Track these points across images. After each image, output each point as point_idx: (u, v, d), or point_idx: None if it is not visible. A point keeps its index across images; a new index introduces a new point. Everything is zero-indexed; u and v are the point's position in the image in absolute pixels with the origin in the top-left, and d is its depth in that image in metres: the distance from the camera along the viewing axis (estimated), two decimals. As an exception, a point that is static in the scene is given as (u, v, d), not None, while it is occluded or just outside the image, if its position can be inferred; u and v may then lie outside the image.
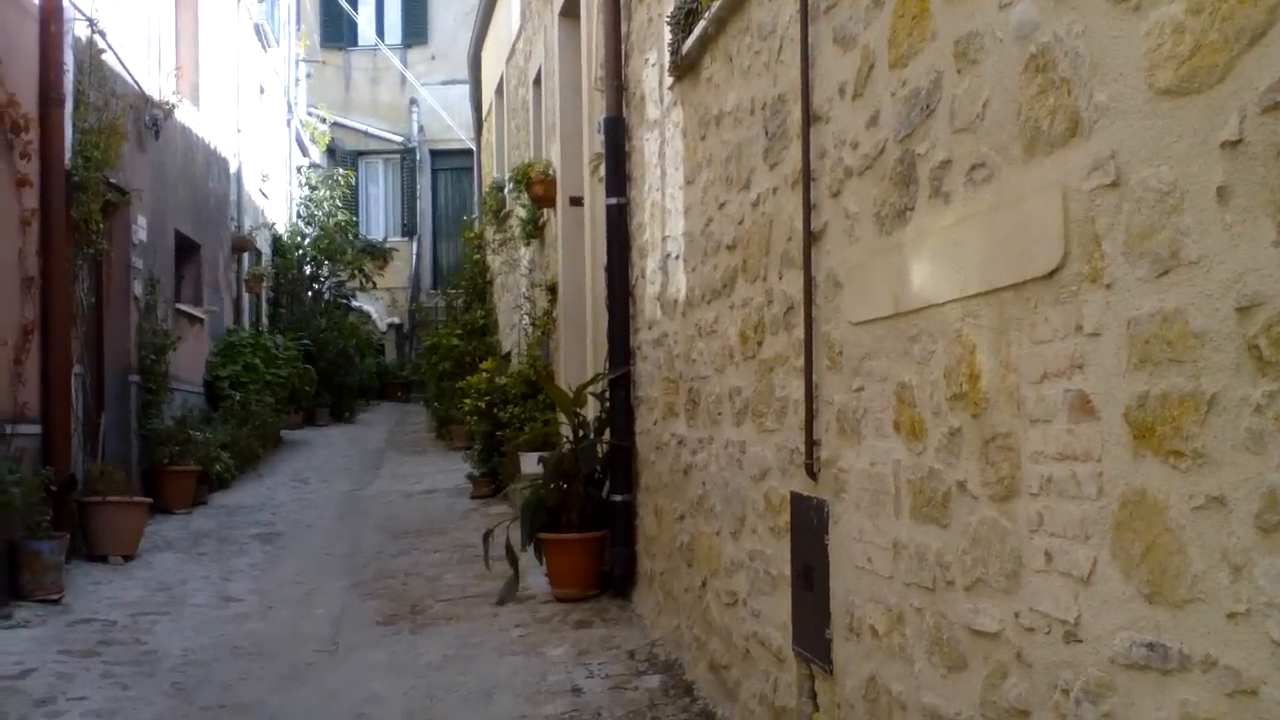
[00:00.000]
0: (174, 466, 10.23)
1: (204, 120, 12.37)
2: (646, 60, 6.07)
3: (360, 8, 22.83)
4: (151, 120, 10.11)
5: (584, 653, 5.76)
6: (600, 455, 6.96)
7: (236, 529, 9.73)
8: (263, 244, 16.30)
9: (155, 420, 10.06)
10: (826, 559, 3.45)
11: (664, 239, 5.76)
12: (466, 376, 12.40)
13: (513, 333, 12.97)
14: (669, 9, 5.31)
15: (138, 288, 9.81)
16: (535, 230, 11.08)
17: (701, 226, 4.96)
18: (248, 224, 14.99)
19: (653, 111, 5.97)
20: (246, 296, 15.31)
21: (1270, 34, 1.67)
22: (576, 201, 8.70)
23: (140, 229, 9.85)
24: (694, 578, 5.17)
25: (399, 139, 23.11)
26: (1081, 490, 2.11)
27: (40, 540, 7.00)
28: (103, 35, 8.65)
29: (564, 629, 6.25)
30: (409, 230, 23.13)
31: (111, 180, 8.67)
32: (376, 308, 21.35)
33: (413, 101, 22.88)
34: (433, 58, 22.81)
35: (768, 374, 4.07)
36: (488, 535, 7.22)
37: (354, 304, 19.41)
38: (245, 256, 15.06)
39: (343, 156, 22.51)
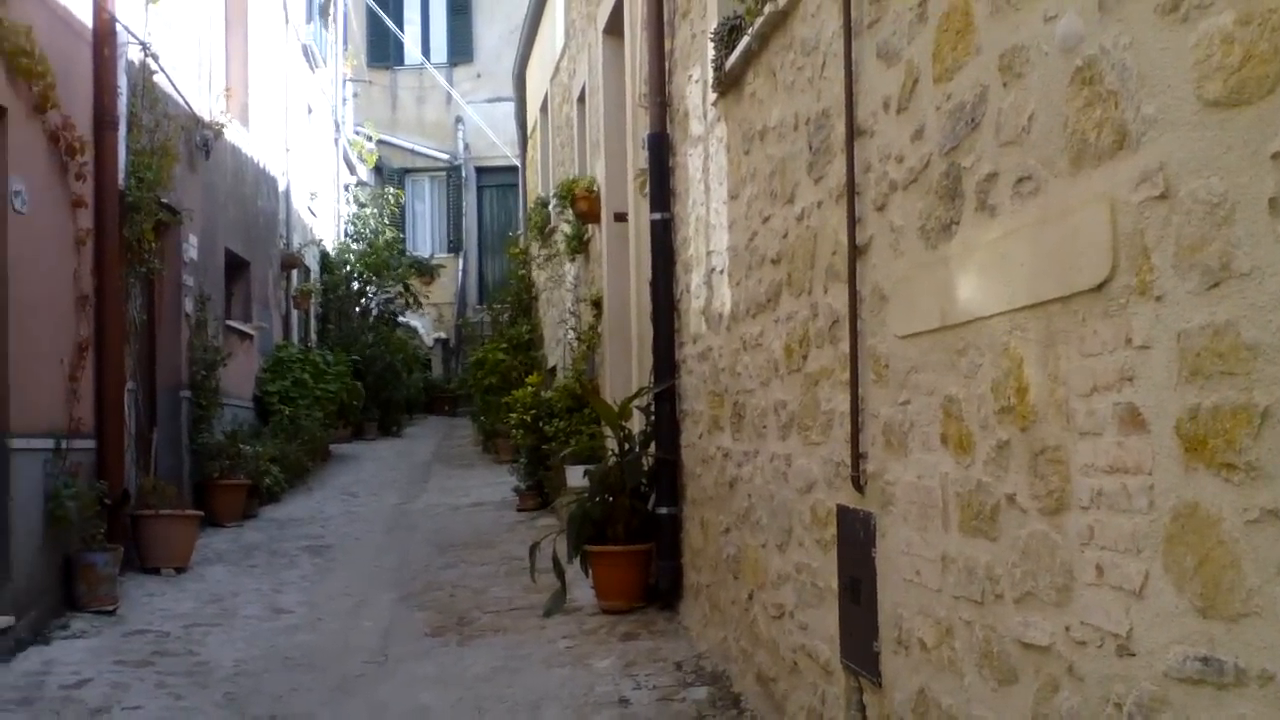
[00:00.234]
0: (224, 480, 10.35)
1: (253, 140, 12.55)
2: (690, 76, 6.10)
3: (406, 27, 23.08)
4: (202, 141, 10.28)
5: (631, 664, 5.77)
6: (646, 468, 6.97)
7: (286, 542, 9.84)
8: (311, 261, 16.49)
9: (206, 435, 10.20)
10: (874, 572, 3.45)
11: (708, 253, 5.77)
12: (512, 391, 12.48)
13: (558, 347, 13.02)
14: (712, 25, 5.34)
15: (189, 305, 9.96)
16: (580, 246, 11.13)
17: (746, 241, 4.98)
18: (296, 241, 15.18)
19: (696, 127, 5.99)
20: (295, 313, 15.48)
21: (1320, 45, 1.66)
22: (621, 217, 8.74)
23: (191, 247, 10.01)
24: (740, 590, 5.17)
25: (445, 156, 23.30)
26: (1132, 503, 2.10)
27: (95, 553, 7.13)
28: (155, 58, 8.80)
29: (611, 641, 6.27)
30: (455, 246, 23.30)
31: (163, 200, 8.82)
32: (423, 323, 21.51)
33: (458, 119, 23.07)
34: (478, 76, 22.99)
35: (813, 387, 4.07)
36: (534, 548, 7.26)
37: (401, 320, 19.57)
38: (294, 273, 15.23)
39: (390, 174, 22.73)
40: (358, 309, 18.30)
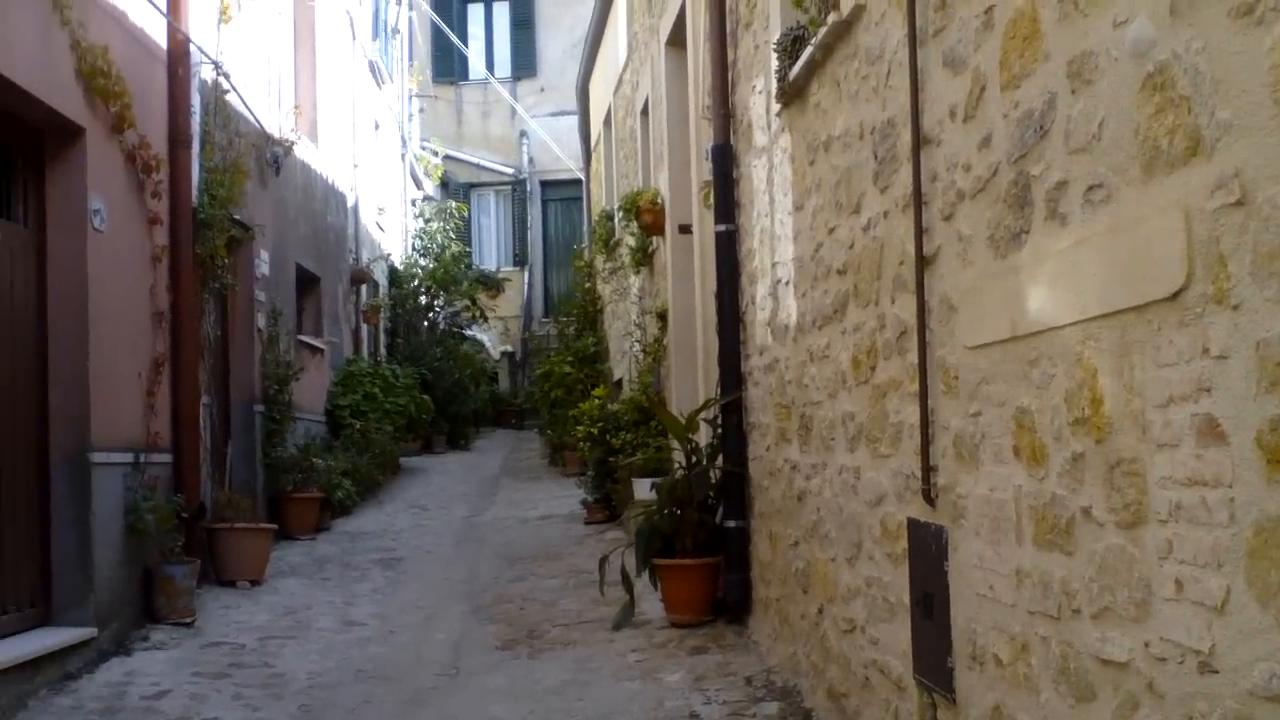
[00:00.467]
0: (297, 494, 10.50)
1: (322, 156, 12.75)
2: (753, 87, 6.09)
3: (470, 43, 23.32)
4: (272, 157, 10.46)
5: (701, 678, 5.75)
6: (713, 481, 6.96)
7: (358, 554, 9.96)
8: (379, 276, 16.70)
9: (279, 448, 10.36)
10: (946, 586, 3.41)
11: (773, 264, 5.75)
12: (579, 403, 12.52)
13: (623, 360, 13.05)
14: (775, 36, 5.33)
15: (261, 320, 10.13)
16: (644, 258, 11.16)
17: (811, 251, 4.95)
18: (365, 256, 15.39)
19: (760, 138, 5.98)
20: (365, 327, 15.69)
21: (1403, 46, 1.62)
22: (685, 229, 8.74)
23: (263, 263, 10.19)
24: (810, 604, 5.14)
25: (510, 170, 23.50)
26: (1212, 517, 2.05)
27: (173, 565, 7.27)
28: (226, 77, 8.98)
29: (680, 654, 6.25)
30: (520, 260, 23.48)
31: (235, 217, 8.99)
32: (489, 337, 21.68)
33: (522, 133, 23.25)
34: (541, 90, 23.16)
35: (881, 399, 4.03)
36: (603, 561, 7.27)
37: (467, 333, 19.75)
38: (363, 288, 15.44)
39: (455, 189, 22.96)
40: (425, 323, 18.50)
